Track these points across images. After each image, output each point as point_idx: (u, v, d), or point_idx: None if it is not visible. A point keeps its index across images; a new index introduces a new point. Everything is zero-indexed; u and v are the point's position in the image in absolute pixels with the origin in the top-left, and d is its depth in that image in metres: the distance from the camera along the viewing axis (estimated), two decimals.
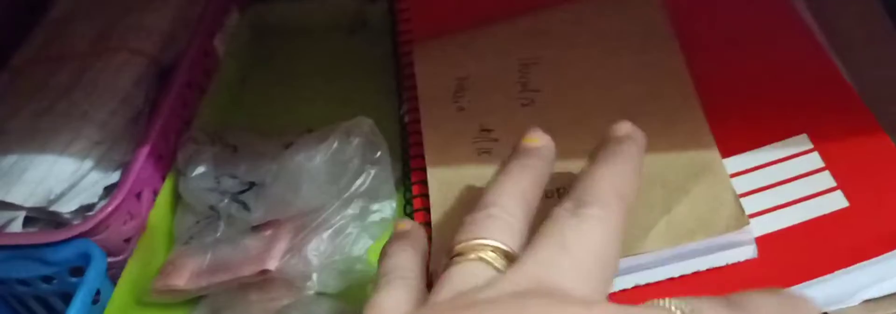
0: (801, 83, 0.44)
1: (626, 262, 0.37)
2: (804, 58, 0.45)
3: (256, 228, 0.46)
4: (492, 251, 0.31)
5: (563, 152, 0.38)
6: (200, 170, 0.47)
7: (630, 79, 0.46)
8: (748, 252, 0.38)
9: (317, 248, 0.43)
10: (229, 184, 0.47)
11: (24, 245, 0.44)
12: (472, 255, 0.31)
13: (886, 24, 0.50)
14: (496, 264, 0.31)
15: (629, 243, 0.37)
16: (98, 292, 0.44)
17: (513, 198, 0.34)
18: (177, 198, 0.50)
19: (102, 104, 0.51)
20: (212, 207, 0.46)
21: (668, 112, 0.43)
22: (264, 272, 0.43)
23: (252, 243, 0.45)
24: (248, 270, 0.43)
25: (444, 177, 0.43)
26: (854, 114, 0.42)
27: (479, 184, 0.41)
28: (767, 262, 0.38)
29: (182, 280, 0.44)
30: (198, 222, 0.47)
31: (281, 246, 0.44)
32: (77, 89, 0.51)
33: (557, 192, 0.40)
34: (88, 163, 0.47)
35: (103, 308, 0.44)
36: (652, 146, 0.38)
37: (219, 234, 0.45)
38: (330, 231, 0.44)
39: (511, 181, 0.34)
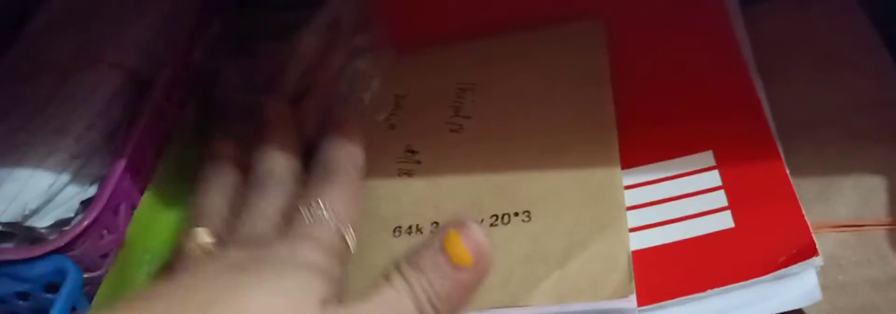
0: (717, 104, 0.49)
1: (511, 312, 0.42)
2: (728, 80, 0.49)
3: None
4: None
5: None
6: None
7: (556, 116, 0.51)
8: None
9: None
10: None
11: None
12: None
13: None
14: None
15: (517, 293, 0.43)
16: (73, 309, 0.50)
17: None
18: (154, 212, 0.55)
19: (79, 118, 0.55)
20: None
21: (587, 159, 0.48)
22: None
23: None
24: None
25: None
26: (760, 138, 0.46)
27: (392, 203, 0.46)
28: (641, 277, 0.42)
29: None
30: None
31: None
32: (54, 103, 0.56)
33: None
34: (65, 178, 0.53)
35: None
36: (566, 194, 0.42)
37: None
38: None
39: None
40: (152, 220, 0.56)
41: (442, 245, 0.35)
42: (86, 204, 0.54)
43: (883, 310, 0.41)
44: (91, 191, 0.54)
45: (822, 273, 0.41)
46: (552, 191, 0.47)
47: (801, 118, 0.49)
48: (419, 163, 0.50)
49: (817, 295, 0.40)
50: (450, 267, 0.34)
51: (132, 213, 0.55)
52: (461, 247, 0.34)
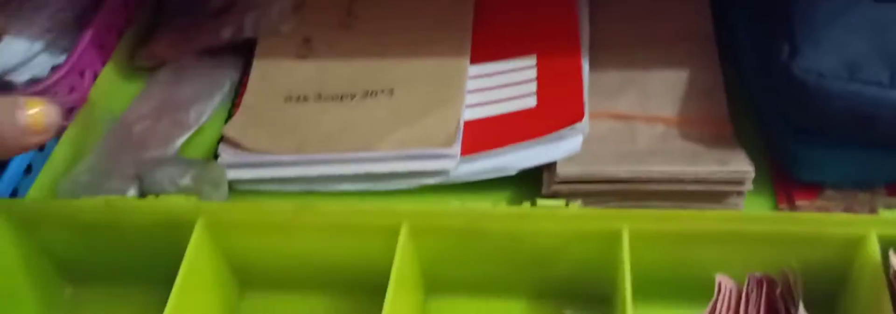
0: (545, 20, 0.65)
1: (359, 155, 0.60)
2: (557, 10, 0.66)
3: None
4: None
5: None
6: None
7: (426, 19, 0.68)
8: (451, 163, 0.59)
9: None
10: None
11: None
12: None
13: None
14: None
15: (370, 142, 0.60)
16: (41, 149, 0.65)
17: None
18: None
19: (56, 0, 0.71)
20: None
21: (444, 53, 0.65)
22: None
23: None
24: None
25: (265, 69, 0.65)
26: (571, 49, 0.63)
27: (286, 78, 0.63)
28: (466, 138, 0.60)
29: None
30: None
31: None
32: None
33: None
34: (38, 46, 0.69)
35: (48, 154, 0.66)
36: (423, 78, 0.61)
37: None
38: None
39: None
40: (112, 87, 0.73)
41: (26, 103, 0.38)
42: (57, 69, 0.70)
43: (619, 174, 0.57)
44: (61, 59, 0.71)
45: (587, 143, 0.59)
46: (413, 75, 0.64)
47: (620, 36, 0.66)
48: (312, 49, 0.67)
49: (578, 148, 0.58)
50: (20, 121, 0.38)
51: (95, 80, 0.71)
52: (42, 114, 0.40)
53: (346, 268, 0.57)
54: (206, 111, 0.69)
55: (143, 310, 0.60)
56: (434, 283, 0.58)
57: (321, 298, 0.59)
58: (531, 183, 0.61)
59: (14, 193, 0.61)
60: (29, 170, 0.63)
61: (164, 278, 0.57)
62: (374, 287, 0.56)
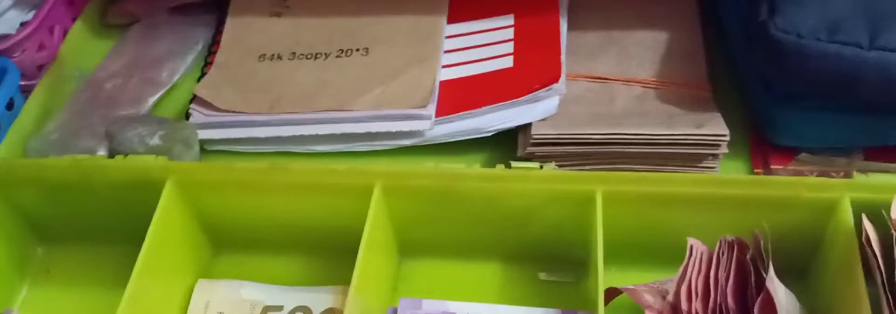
0: None
1: (333, 115, 0.58)
2: None
3: None
4: None
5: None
6: None
7: None
8: (426, 124, 0.59)
9: None
10: None
11: None
12: None
13: None
14: None
15: (344, 101, 0.59)
16: (12, 101, 0.64)
17: None
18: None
19: None
20: None
21: (422, 12, 0.64)
22: None
23: None
24: None
25: (238, 26, 0.64)
26: (549, 8, 0.62)
27: (261, 36, 0.62)
28: (442, 99, 0.59)
29: None
30: None
31: None
32: None
33: None
34: (7, 2, 0.67)
35: (17, 113, 0.65)
36: (399, 37, 0.60)
37: None
38: None
39: None
40: (83, 44, 0.71)
41: None
42: (25, 25, 0.69)
43: (594, 137, 0.57)
44: (30, 15, 0.69)
45: (564, 105, 0.58)
46: (389, 34, 0.63)
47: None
48: (286, 7, 0.66)
49: (554, 110, 0.57)
50: None
51: (65, 37, 0.70)
52: None
53: (319, 228, 0.57)
54: (178, 69, 0.68)
55: (116, 269, 0.59)
56: (407, 246, 0.58)
57: (293, 259, 0.59)
58: (507, 145, 0.60)
59: None
60: None
61: (135, 238, 0.57)
62: (346, 248, 0.56)
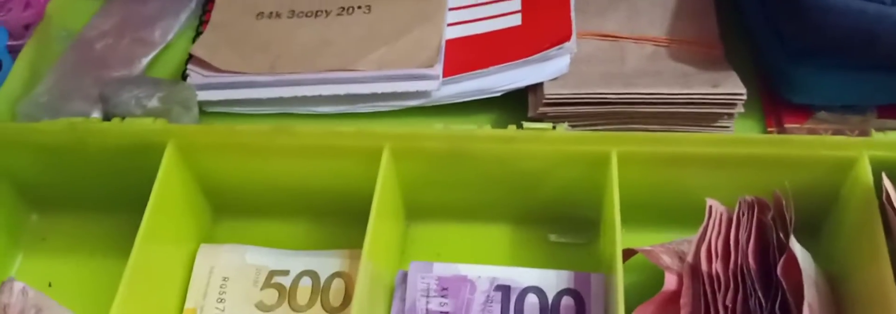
0: None
1: (337, 75, 0.56)
2: None
3: None
4: None
5: None
6: None
7: None
8: (433, 85, 0.57)
9: None
10: None
11: None
12: None
13: None
14: None
15: (348, 61, 0.57)
16: (0, 62, 0.62)
17: None
18: None
19: None
20: None
21: None
22: None
23: None
24: None
25: None
26: None
27: None
28: (448, 58, 0.57)
29: None
30: None
31: None
32: None
33: None
34: None
35: (5, 75, 0.63)
36: None
37: None
38: None
39: None
40: (70, 2, 0.68)
41: None
42: None
43: (608, 96, 0.56)
44: None
45: (574, 64, 0.57)
46: None
47: None
48: None
49: (566, 69, 0.56)
50: None
51: None
52: None
53: (324, 192, 0.56)
54: (171, 28, 0.66)
55: (114, 235, 0.58)
56: (415, 209, 0.57)
57: (297, 223, 0.58)
58: (515, 105, 0.59)
59: None
60: None
61: (132, 204, 0.55)
62: (353, 211, 0.55)
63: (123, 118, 0.53)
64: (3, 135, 0.54)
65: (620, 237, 0.47)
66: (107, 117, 0.59)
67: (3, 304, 0.41)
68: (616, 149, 0.50)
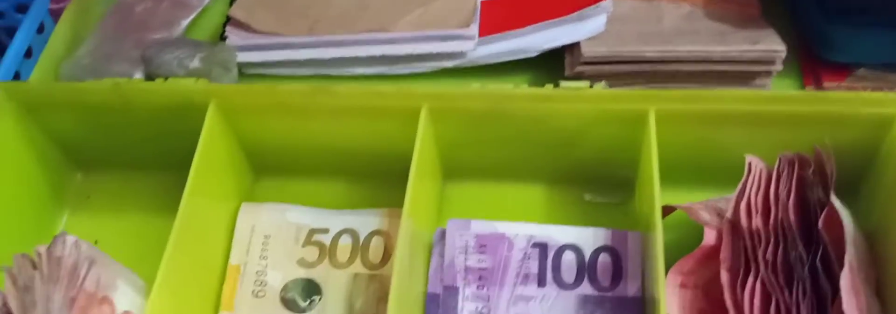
0: None
1: (374, 36, 0.56)
2: None
3: None
4: None
5: None
6: None
7: None
8: (469, 45, 0.56)
9: None
10: None
11: None
12: None
13: None
14: None
15: (385, 23, 0.57)
16: (42, 24, 0.63)
17: None
18: None
19: None
20: None
21: None
22: None
23: None
24: None
25: None
26: None
27: None
28: (483, 19, 0.57)
29: None
30: None
31: None
32: None
33: None
34: None
35: (47, 37, 0.64)
36: None
37: None
38: None
39: None
40: None
41: None
42: None
43: (646, 54, 0.55)
44: None
45: (609, 24, 0.56)
46: None
47: None
48: None
49: (602, 28, 0.55)
50: None
51: None
52: None
53: (362, 151, 0.56)
54: None
55: (155, 193, 0.60)
56: (451, 168, 0.57)
57: (334, 182, 0.59)
58: (550, 65, 0.59)
59: (16, 77, 0.59)
60: (29, 53, 0.61)
61: (173, 162, 0.56)
62: (391, 171, 0.55)
63: (166, 79, 0.54)
64: (48, 95, 0.55)
65: (659, 194, 0.47)
66: (149, 78, 0.60)
67: (57, 257, 0.41)
68: (654, 107, 0.50)
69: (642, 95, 0.50)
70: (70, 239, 0.42)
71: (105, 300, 0.41)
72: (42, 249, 0.42)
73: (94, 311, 0.41)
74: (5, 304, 0.41)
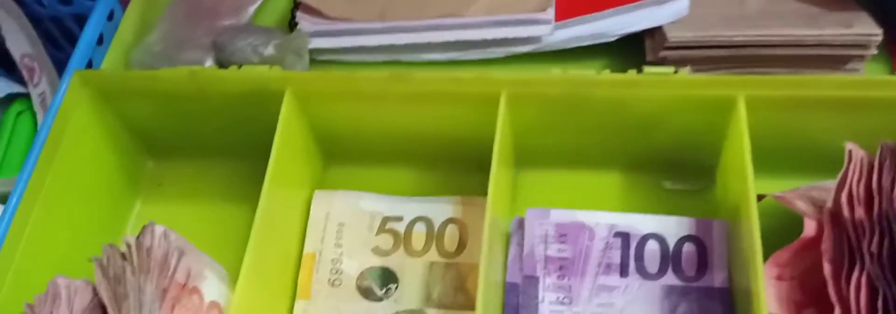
0: None
1: (447, 21, 0.55)
2: None
3: None
4: None
5: None
6: None
7: None
8: (545, 29, 0.55)
9: None
10: None
11: None
12: None
13: None
14: None
15: (458, 8, 0.56)
16: (112, 11, 0.62)
17: None
18: None
19: None
20: None
21: None
22: None
23: None
24: None
25: None
26: None
27: None
28: (559, 3, 0.55)
29: None
30: None
31: None
32: None
33: None
34: None
35: (117, 24, 0.63)
36: None
37: None
38: None
39: None
40: None
41: None
42: None
43: (735, 39, 0.53)
44: None
45: (691, 6, 0.54)
46: None
47: None
48: None
49: (685, 11, 0.53)
50: None
51: None
52: None
53: (436, 138, 0.55)
54: None
55: (227, 181, 0.59)
56: (525, 155, 0.56)
57: (405, 169, 0.58)
58: (626, 49, 0.57)
59: (89, 65, 0.59)
60: (100, 40, 0.60)
61: (244, 150, 0.56)
62: (464, 158, 0.55)
63: (240, 66, 0.53)
64: (123, 82, 0.54)
65: (753, 182, 0.46)
66: (221, 65, 0.59)
67: (146, 247, 0.41)
68: (744, 93, 0.48)
69: (731, 81, 0.48)
70: (159, 229, 0.42)
71: (194, 290, 0.41)
72: (131, 239, 0.41)
73: (184, 302, 0.40)
74: (96, 295, 0.41)
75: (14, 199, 0.49)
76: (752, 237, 0.43)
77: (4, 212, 0.49)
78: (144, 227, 0.42)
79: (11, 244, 0.48)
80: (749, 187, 0.46)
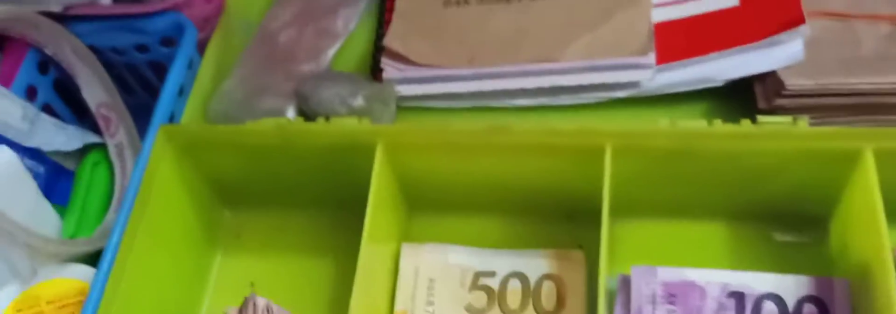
0: None
1: (541, 67, 0.53)
2: None
3: None
4: None
5: None
6: None
7: None
8: (646, 74, 0.52)
9: None
10: None
11: (120, 15, 0.59)
12: None
13: None
14: None
15: (552, 51, 0.53)
16: (191, 60, 0.60)
17: None
18: None
19: None
20: None
21: None
22: None
23: None
24: None
25: None
26: None
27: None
28: (659, 43, 0.52)
29: None
30: None
31: None
32: None
33: None
34: None
35: (195, 73, 0.61)
36: None
37: None
38: None
39: None
40: None
41: None
42: None
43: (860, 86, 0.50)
44: None
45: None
46: None
47: None
48: None
49: (800, 56, 0.50)
50: None
51: None
52: None
53: (530, 190, 0.52)
54: (353, 17, 0.63)
55: (308, 232, 0.57)
56: (621, 206, 0.53)
57: (494, 221, 0.55)
58: (732, 95, 0.54)
59: (171, 118, 0.57)
60: (181, 92, 0.58)
61: (326, 201, 0.54)
62: (558, 209, 0.52)
63: (328, 118, 0.51)
64: (208, 136, 0.52)
65: (889, 239, 0.42)
66: (303, 114, 0.57)
67: None
68: (871, 145, 0.45)
69: (858, 133, 0.45)
70: (261, 302, 0.39)
71: None
72: (233, 312, 0.39)
73: None
74: None
75: (105, 265, 0.48)
76: (890, 297, 0.40)
77: (97, 275, 0.47)
78: (246, 300, 0.40)
79: (106, 307, 0.46)
80: (884, 244, 0.42)
